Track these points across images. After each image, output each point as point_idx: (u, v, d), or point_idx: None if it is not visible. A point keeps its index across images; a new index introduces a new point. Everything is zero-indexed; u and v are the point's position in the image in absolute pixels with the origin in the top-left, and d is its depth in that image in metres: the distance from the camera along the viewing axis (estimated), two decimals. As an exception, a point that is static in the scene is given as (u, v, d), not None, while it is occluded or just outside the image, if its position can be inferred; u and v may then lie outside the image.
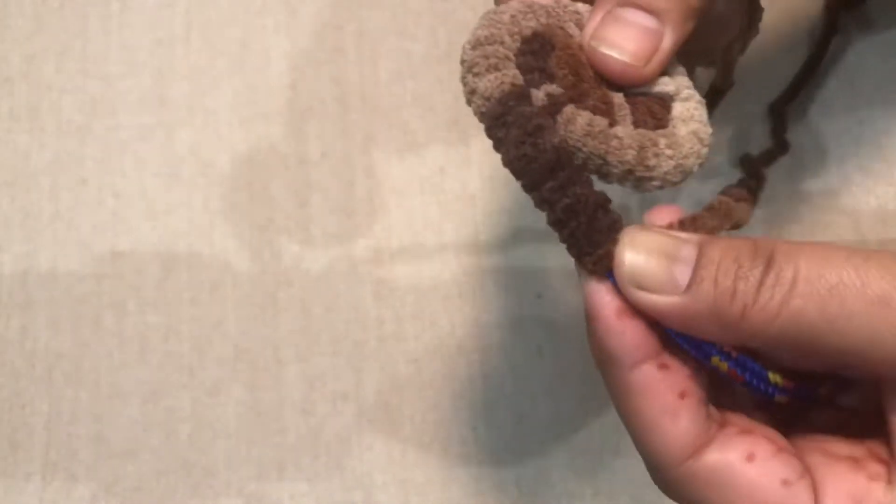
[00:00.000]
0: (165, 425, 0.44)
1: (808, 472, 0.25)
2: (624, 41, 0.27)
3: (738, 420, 0.26)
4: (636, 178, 0.27)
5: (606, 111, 0.27)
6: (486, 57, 0.27)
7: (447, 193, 0.47)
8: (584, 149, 0.26)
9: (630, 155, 0.26)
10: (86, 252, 0.47)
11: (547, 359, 0.45)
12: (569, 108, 0.26)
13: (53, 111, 0.50)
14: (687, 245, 0.24)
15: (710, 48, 0.36)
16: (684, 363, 0.25)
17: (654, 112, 0.28)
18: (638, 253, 0.25)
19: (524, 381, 0.44)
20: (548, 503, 0.43)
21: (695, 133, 0.28)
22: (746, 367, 0.26)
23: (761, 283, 0.23)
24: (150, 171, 0.48)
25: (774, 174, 0.46)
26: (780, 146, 0.45)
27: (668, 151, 0.27)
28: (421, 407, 0.44)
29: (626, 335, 0.24)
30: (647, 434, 0.25)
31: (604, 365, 0.25)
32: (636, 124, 0.27)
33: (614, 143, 0.26)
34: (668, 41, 0.27)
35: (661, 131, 0.27)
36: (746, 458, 0.24)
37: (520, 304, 0.45)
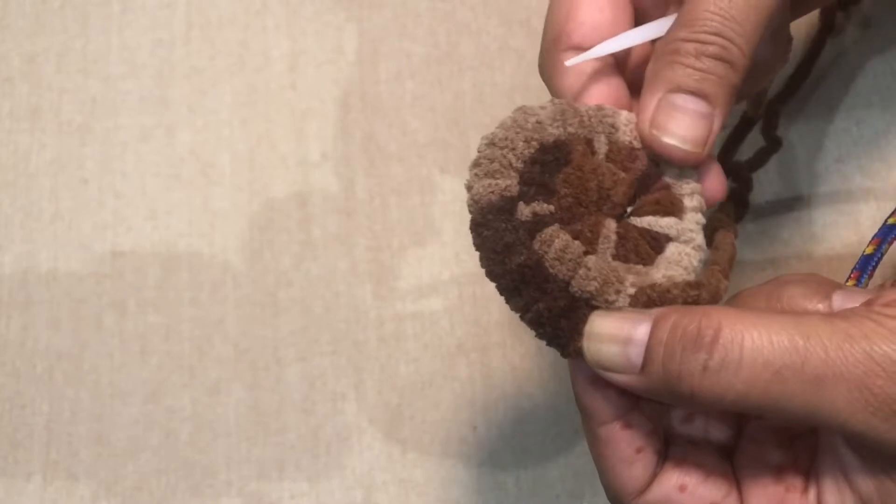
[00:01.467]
0: (166, 425, 0.44)
1: (735, 488, 0.29)
2: (683, 130, 0.29)
3: (676, 450, 0.30)
4: (593, 306, 0.28)
5: (590, 239, 0.28)
6: (491, 161, 0.28)
7: (447, 193, 0.47)
8: (552, 269, 0.28)
9: (592, 286, 0.28)
10: (86, 252, 0.47)
11: (546, 359, 0.45)
12: (551, 229, 0.28)
13: (54, 111, 0.50)
14: (641, 325, 0.27)
15: (749, 91, 0.36)
16: (646, 423, 0.29)
17: (641, 250, 0.29)
18: (599, 342, 0.27)
19: (524, 381, 0.44)
20: (547, 503, 0.43)
21: (670, 279, 0.28)
22: None
23: (705, 367, 0.25)
24: (150, 171, 0.48)
25: (774, 175, 0.46)
26: (772, 142, 0.45)
27: (631, 290, 0.28)
28: (421, 407, 0.44)
29: (597, 399, 0.29)
30: (608, 475, 0.29)
31: (581, 414, 0.29)
32: (616, 257, 0.28)
33: (581, 272, 0.28)
34: (717, 123, 0.29)
35: (636, 268, 0.28)
36: (679, 489, 0.29)
37: (520, 304, 0.46)
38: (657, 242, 0.29)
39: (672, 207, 0.29)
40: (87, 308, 0.46)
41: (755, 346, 0.25)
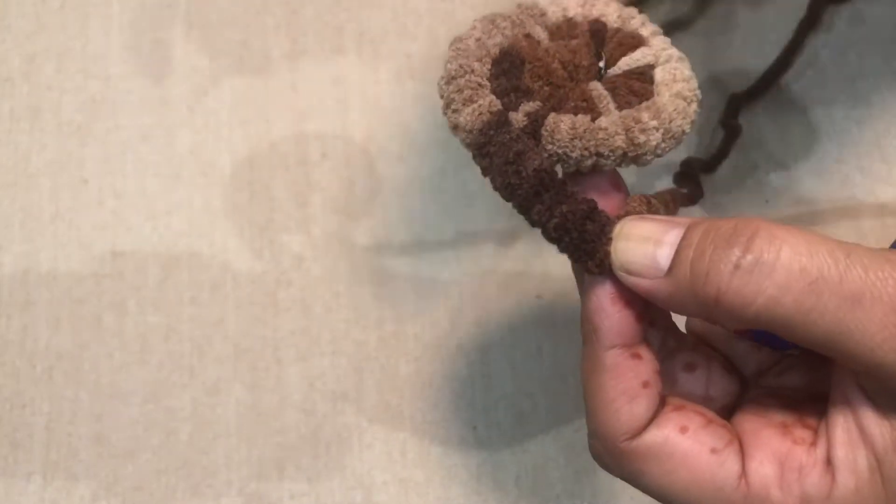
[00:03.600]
0: (166, 425, 0.44)
1: (737, 439, 0.27)
2: None
3: (672, 399, 0.28)
4: (631, 159, 0.27)
5: (588, 107, 0.27)
6: (460, 90, 0.28)
7: (447, 193, 0.47)
8: (574, 152, 0.27)
9: (619, 141, 0.27)
10: (86, 252, 0.47)
11: (547, 359, 0.45)
12: (550, 119, 0.27)
13: (54, 111, 0.50)
14: (675, 229, 0.26)
15: None
16: (654, 360, 0.27)
17: (635, 89, 0.28)
18: (627, 241, 0.26)
19: (524, 381, 0.44)
20: (547, 503, 0.43)
21: (678, 94, 0.28)
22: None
23: (737, 265, 0.24)
24: (150, 171, 0.48)
25: (774, 175, 0.46)
26: (731, 130, 0.45)
27: (654, 123, 0.27)
28: (421, 407, 0.44)
29: (613, 319, 0.27)
30: (603, 409, 0.27)
31: (587, 338, 0.27)
32: (621, 107, 0.28)
33: (601, 135, 0.27)
34: None
35: (644, 104, 0.28)
36: (680, 431, 0.27)
37: (520, 305, 0.46)
38: (644, 76, 0.28)
39: (635, 41, 0.29)
40: (87, 308, 0.46)
41: (793, 251, 0.23)
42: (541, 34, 0.29)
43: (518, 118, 0.27)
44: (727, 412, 0.29)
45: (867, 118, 0.47)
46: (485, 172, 0.28)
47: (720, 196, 0.46)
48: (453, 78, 0.28)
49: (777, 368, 0.30)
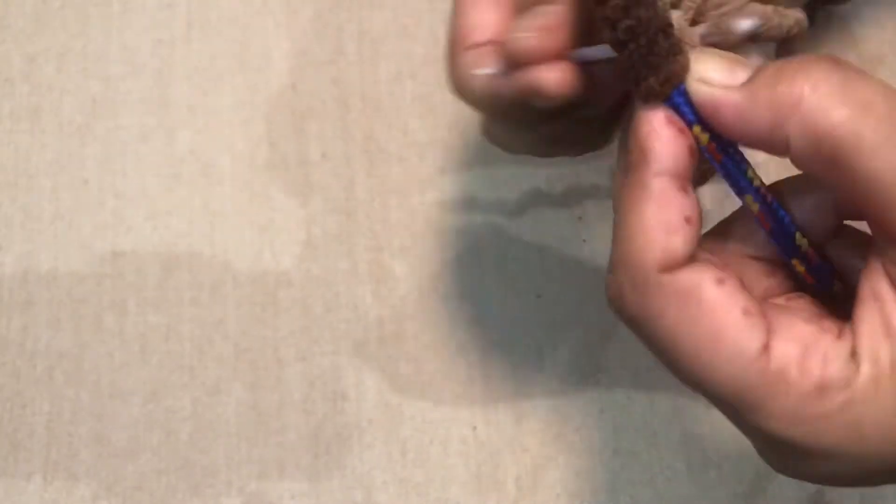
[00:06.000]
0: (166, 425, 0.44)
1: (766, 314, 0.26)
2: None
3: (715, 258, 0.27)
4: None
5: None
6: None
7: (447, 194, 0.47)
8: None
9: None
10: (87, 252, 0.47)
11: (547, 359, 0.45)
12: None
13: (54, 112, 0.50)
14: (750, 63, 0.26)
15: None
16: (698, 203, 0.26)
17: None
18: (705, 54, 0.26)
19: (524, 380, 0.44)
20: (547, 503, 0.43)
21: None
22: (777, 216, 0.27)
23: (826, 78, 0.24)
24: (150, 171, 0.48)
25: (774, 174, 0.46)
26: None
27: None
28: (421, 406, 0.44)
29: (667, 141, 0.26)
30: (641, 236, 0.25)
31: (633, 166, 0.26)
32: None
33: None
34: None
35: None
36: (717, 282, 0.25)
37: (520, 304, 0.46)
38: None
39: None
40: (87, 308, 0.46)
41: (881, 84, 0.24)
42: None
43: None
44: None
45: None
46: None
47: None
48: None
49: (784, 298, 0.29)
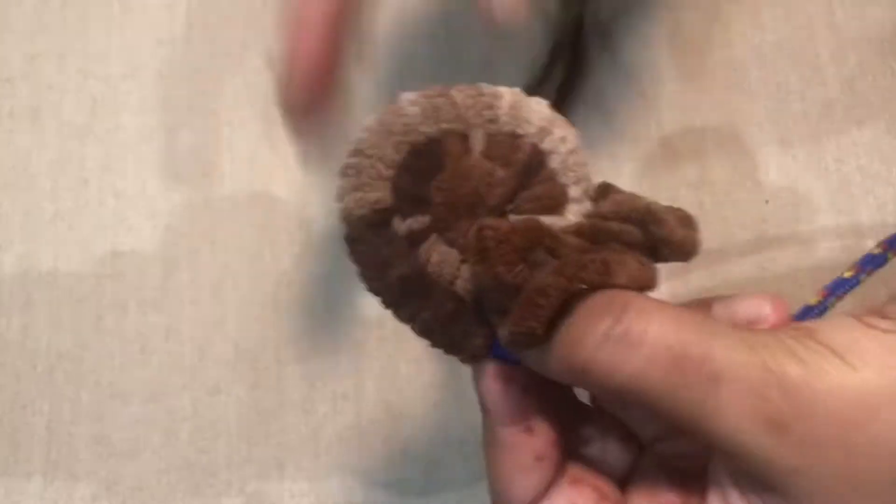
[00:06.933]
0: (166, 425, 0.44)
1: None
2: None
3: (573, 470, 0.29)
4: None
5: (466, 246, 0.27)
6: (359, 172, 0.27)
7: (447, 193, 0.47)
8: (434, 277, 0.27)
9: (466, 290, 0.27)
10: (87, 252, 0.47)
11: (547, 359, 0.45)
12: (427, 243, 0.27)
13: (54, 112, 0.50)
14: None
15: None
16: (549, 431, 0.28)
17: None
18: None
19: (524, 380, 0.44)
20: (547, 503, 0.43)
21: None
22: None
23: (607, 335, 0.24)
24: (150, 171, 0.48)
25: (774, 175, 0.46)
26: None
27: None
28: (421, 407, 0.44)
29: (502, 397, 0.28)
30: (501, 481, 0.28)
31: (483, 414, 0.29)
32: None
33: (458, 283, 0.27)
34: None
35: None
36: None
37: (520, 304, 0.46)
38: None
39: (553, 202, 0.27)
40: (87, 308, 0.46)
41: (662, 328, 0.24)
42: (477, 143, 0.27)
43: (401, 228, 0.27)
44: (625, 481, 0.29)
45: (867, 119, 0.47)
46: (351, 261, 0.27)
47: (720, 197, 0.46)
48: (360, 153, 0.27)
49: (672, 433, 0.30)
